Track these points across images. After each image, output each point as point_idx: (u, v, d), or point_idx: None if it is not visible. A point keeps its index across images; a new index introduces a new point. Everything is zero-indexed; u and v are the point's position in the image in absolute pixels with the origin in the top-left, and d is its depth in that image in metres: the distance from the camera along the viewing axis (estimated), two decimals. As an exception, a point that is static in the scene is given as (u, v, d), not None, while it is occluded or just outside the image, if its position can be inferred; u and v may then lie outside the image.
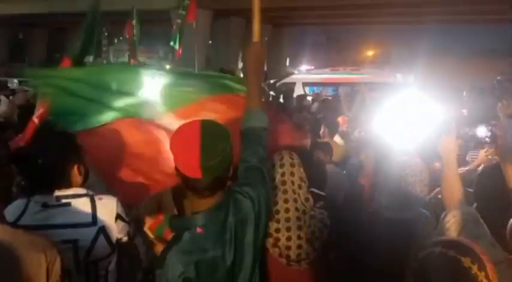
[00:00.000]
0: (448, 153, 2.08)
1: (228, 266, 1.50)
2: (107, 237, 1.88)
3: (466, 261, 1.23)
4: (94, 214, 1.85)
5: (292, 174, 2.11)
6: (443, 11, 19.48)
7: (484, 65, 21.21)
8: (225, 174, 1.53)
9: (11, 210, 1.80)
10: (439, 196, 2.53)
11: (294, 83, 14.68)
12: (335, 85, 13.73)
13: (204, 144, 1.43)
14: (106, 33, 29.53)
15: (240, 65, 20.73)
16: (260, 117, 1.87)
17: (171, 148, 1.49)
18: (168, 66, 2.33)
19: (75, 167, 1.89)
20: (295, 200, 2.09)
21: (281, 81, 14.24)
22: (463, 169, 3.36)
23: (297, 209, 2.08)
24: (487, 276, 1.23)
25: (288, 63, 29.85)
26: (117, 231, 1.93)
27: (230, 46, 21.01)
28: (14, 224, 1.77)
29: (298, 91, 13.61)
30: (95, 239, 1.85)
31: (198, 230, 1.48)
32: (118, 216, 1.93)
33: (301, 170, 2.14)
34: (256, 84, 2.01)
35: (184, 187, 1.54)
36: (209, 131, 1.48)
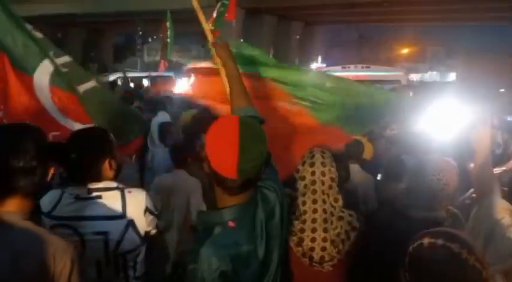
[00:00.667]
0: (480, 141, 2.05)
1: (260, 260, 1.50)
2: (136, 229, 1.92)
3: (456, 247, 1.24)
4: (124, 207, 1.90)
5: (322, 173, 2.08)
6: (480, 8, 18.86)
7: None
8: (258, 175, 1.51)
9: (46, 201, 1.88)
10: (474, 196, 2.47)
11: None
12: None
13: (243, 145, 1.39)
14: (140, 33, 30.12)
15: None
16: (256, 114, 1.88)
17: (207, 144, 1.47)
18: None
19: (107, 162, 1.94)
20: (323, 201, 2.07)
21: None
22: (498, 169, 3.26)
23: (324, 211, 2.06)
24: (477, 259, 1.24)
25: (319, 61, 29.60)
26: (146, 224, 1.97)
27: (262, 44, 21.02)
28: (49, 215, 1.84)
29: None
30: (124, 231, 1.89)
31: (231, 224, 1.46)
32: (147, 209, 1.97)
33: (333, 169, 2.11)
34: (241, 81, 2.05)
35: (215, 183, 1.52)
36: (248, 131, 1.43)
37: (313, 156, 2.12)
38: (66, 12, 23.10)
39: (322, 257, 2.04)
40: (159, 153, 4.82)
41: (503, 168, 3.68)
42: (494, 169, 2.73)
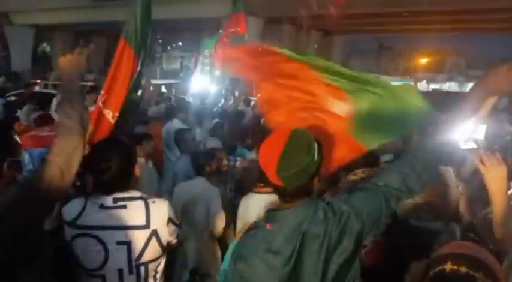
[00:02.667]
0: (492, 185, 1.75)
1: (284, 272, 1.48)
2: (159, 239, 1.93)
3: (480, 277, 1.20)
4: (148, 217, 1.90)
5: None
6: (502, 18, 18.60)
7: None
8: (309, 184, 1.54)
9: (69, 209, 1.90)
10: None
11: None
12: None
13: (284, 154, 1.47)
14: (160, 41, 30.45)
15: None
16: (431, 154, 1.67)
17: (259, 152, 1.56)
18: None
19: (133, 170, 1.98)
20: None
21: None
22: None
23: None
24: None
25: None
26: (169, 234, 1.98)
27: (280, 53, 21.03)
28: (73, 223, 1.86)
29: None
30: (148, 241, 1.90)
31: (268, 226, 1.53)
32: (170, 220, 1.98)
33: None
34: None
35: (272, 188, 1.62)
36: (295, 141, 1.50)
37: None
38: (86, 20, 23.56)
39: None
40: (182, 159, 4.81)
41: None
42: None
